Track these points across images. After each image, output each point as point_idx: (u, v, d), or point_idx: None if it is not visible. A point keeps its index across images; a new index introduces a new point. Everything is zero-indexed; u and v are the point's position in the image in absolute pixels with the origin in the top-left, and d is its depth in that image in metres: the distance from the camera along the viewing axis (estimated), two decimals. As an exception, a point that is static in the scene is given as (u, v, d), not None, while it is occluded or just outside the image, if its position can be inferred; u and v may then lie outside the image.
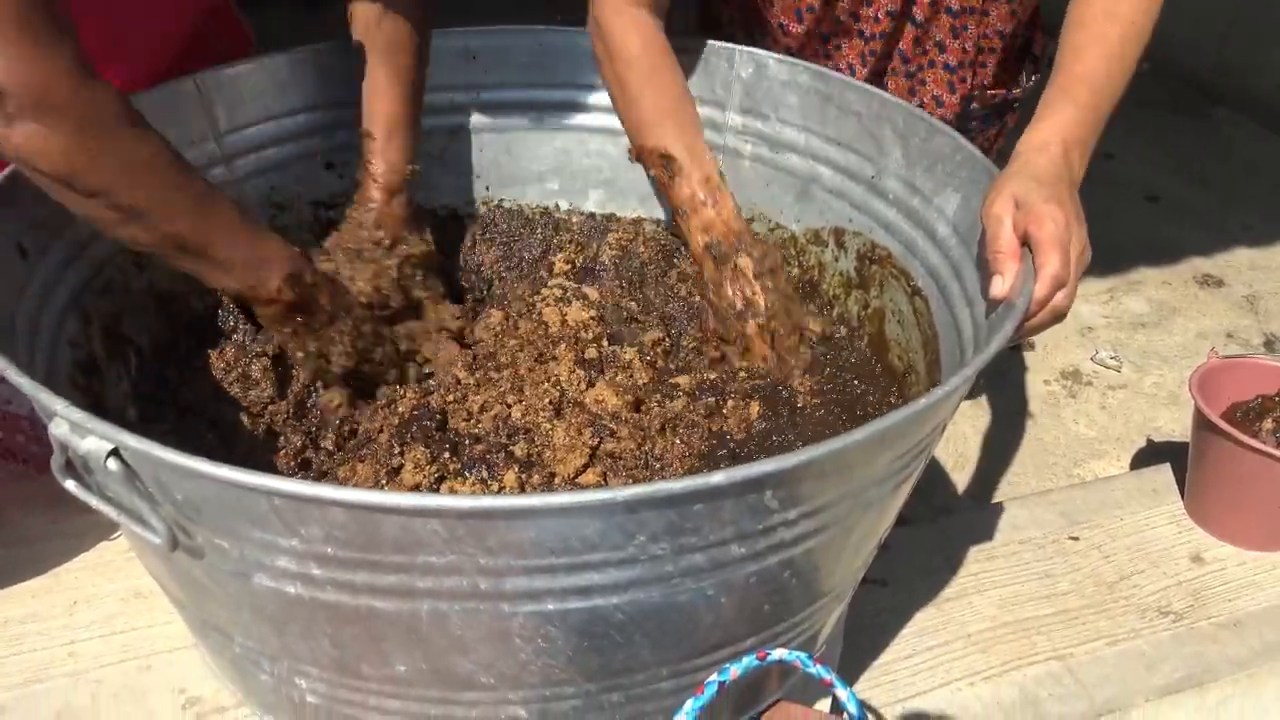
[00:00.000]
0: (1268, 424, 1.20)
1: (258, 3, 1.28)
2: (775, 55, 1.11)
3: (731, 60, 1.13)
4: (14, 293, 0.81)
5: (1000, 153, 1.17)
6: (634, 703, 0.70)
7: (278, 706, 0.77)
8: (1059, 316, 0.80)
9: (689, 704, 0.67)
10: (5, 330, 0.76)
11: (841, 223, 1.09)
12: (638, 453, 0.93)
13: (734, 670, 0.69)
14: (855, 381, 1.06)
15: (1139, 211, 3.08)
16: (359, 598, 0.60)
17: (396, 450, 0.92)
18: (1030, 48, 1.29)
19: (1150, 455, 1.88)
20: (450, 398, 1.00)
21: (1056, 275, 0.77)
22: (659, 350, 1.09)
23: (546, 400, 0.98)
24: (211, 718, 0.90)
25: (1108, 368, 2.42)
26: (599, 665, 0.65)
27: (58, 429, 0.58)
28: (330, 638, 0.64)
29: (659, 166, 1.06)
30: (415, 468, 0.90)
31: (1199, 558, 1.20)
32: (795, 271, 1.17)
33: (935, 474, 2.00)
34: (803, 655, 0.70)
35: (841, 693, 0.69)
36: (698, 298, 1.12)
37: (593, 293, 1.16)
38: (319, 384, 1.00)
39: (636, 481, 0.94)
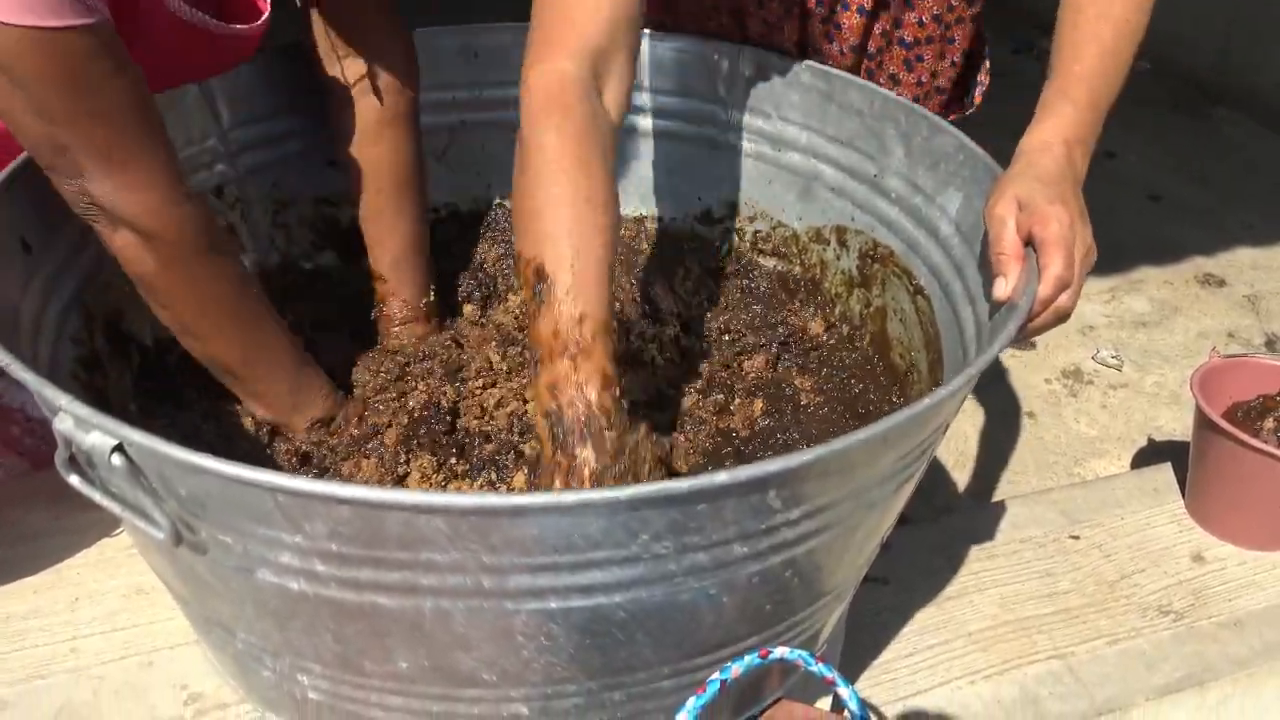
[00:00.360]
0: (1269, 423, 1.20)
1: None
2: (777, 54, 1.11)
3: (734, 58, 1.13)
4: (18, 288, 0.81)
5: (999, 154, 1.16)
6: (635, 701, 0.70)
7: (279, 703, 0.77)
8: (1063, 317, 0.80)
9: (691, 702, 0.67)
10: (8, 325, 0.76)
11: (844, 221, 1.09)
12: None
13: (736, 668, 0.69)
14: (857, 381, 1.06)
15: (1140, 210, 3.08)
16: (362, 594, 0.60)
17: (403, 458, 0.92)
18: (975, 70, 1.28)
19: (1151, 454, 1.88)
20: (472, 386, 1.00)
21: (1060, 276, 0.77)
22: (673, 346, 1.09)
23: None
24: (213, 714, 0.90)
25: (1109, 367, 2.42)
26: (601, 663, 0.65)
27: (62, 424, 0.58)
28: (333, 634, 0.64)
29: (528, 286, 0.80)
30: (421, 477, 0.91)
31: (1200, 557, 1.20)
32: (798, 270, 1.17)
33: (936, 473, 2.00)
34: (805, 654, 0.70)
35: (843, 691, 0.69)
36: (705, 299, 1.09)
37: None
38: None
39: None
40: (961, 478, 2.02)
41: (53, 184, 0.80)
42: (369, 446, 0.95)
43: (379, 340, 1.12)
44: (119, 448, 0.57)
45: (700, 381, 1.05)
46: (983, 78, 1.24)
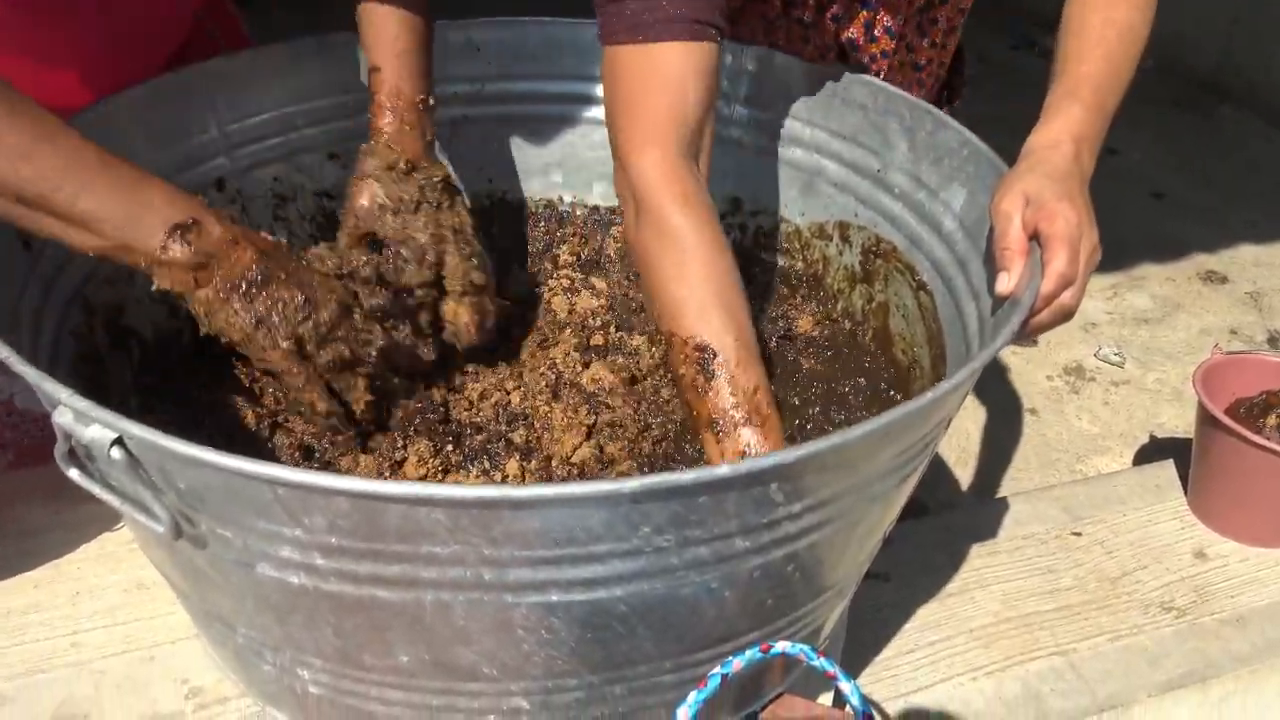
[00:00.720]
0: (1272, 420, 1.20)
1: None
2: (780, 50, 1.11)
3: (737, 53, 1.13)
4: (18, 283, 0.81)
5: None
6: (636, 695, 0.70)
7: (280, 697, 0.77)
8: (1067, 315, 0.80)
9: (692, 696, 0.67)
10: (8, 320, 0.76)
11: (846, 216, 1.09)
12: (635, 417, 0.93)
13: (737, 663, 0.69)
14: (860, 375, 1.06)
15: (1143, 208, 3.08)
16: (362, 588, 0.60)
17: (400, 443, 0.92)
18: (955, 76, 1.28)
19: (1153, 451, 1.88)
20: (453, 383, 1.00)
21: (1064, 272, 0.77)
22: None
23: (543, 384, 0.98)
24: (214, 708, 0.90)
25: (1111, 364, 2.42)
26: (602, 657, 0.65)
27: (61, 417, 0.58)
28: (333, 628, 0.64)
29: (691, 363, 0.82)
30: (419, 461, 0.91)
31: (1202, 553, 1.20)
32: (800, 265, 1.17)
33: (938, 469, 2.00)
34: (807, 648, 0.70)
35: (845, 686, 0.68)
36: None
37: (600, 283, 1.16)
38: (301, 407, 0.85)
39: (634, 448, 0.94)
40: (963, 474, 2.03)
41: None
42: (368, 441, 0.94)
43: (359, 151, 0.98)
44: (118, 441, 0.57)
45: None
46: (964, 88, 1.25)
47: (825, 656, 0.70)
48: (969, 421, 2.16)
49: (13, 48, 0.96)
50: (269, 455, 0.93)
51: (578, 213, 1.24)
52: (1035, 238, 0.79)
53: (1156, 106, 3.64)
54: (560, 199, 1.25)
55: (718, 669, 0.68)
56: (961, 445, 2.10)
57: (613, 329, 1.08)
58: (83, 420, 0.58)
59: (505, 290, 1.20)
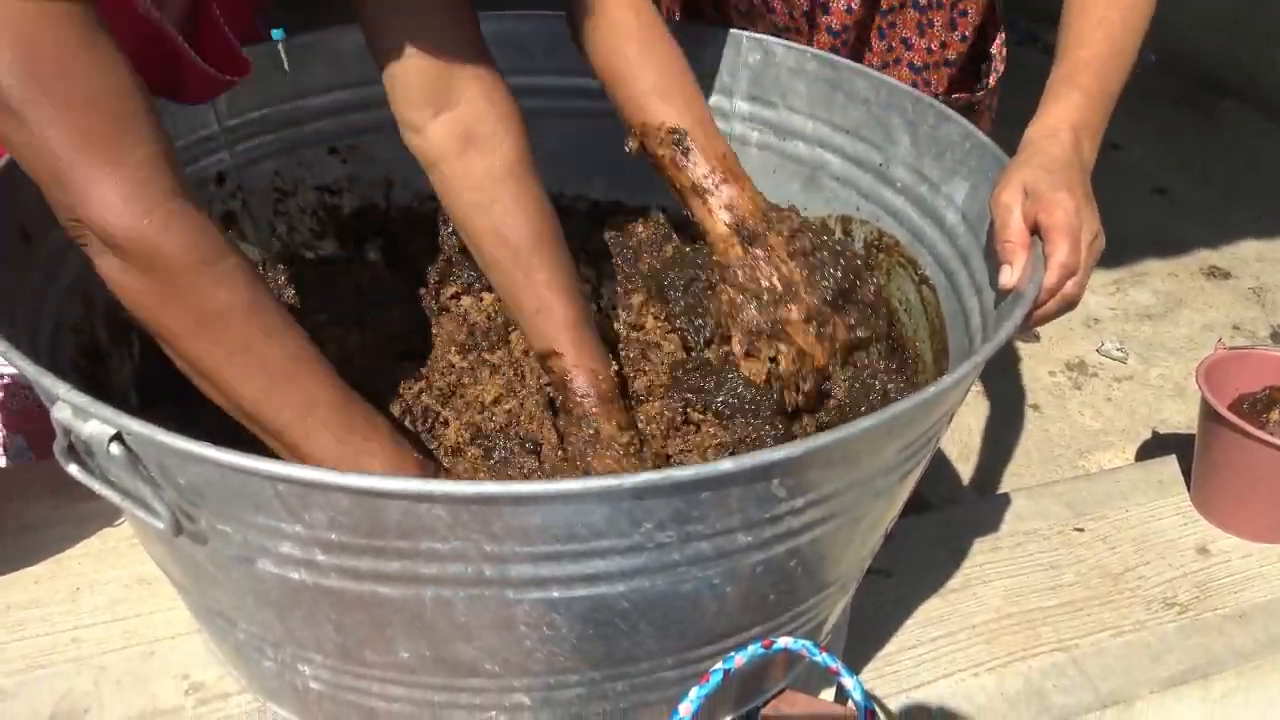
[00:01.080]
0: (1275, 415, 1.20)
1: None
2: (783, 42, 1.10)
3: (739, 47, 1.12)
4: (17, 276, 0.80)
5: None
6: (638, 691, 0.70)
7: (281, 693, 0.77)
8: (1070, 305, 0.80)
9: (694, 691, 0.66)
10: (7, 314, 0.75)
11: (849, 211, 1.09)
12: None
13: (739, 658, 0.68)
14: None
15: (1146, 204, 3.07)
16: (363, 584, 0.60)
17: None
18: (988, 46, 1.27)
19: (1155, 447, 1.87)
20: (445, 382, 1.00)
21: (1066, 263, 0.76)
22: (648, 312, 1.08)
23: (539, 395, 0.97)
24: (214, 704, 0.90)
25: (1113, 359, 2.42)
26: (604, 653, 0.65)
27: (60, 413, 0.58)
28: (334, 624, 0.64)
29: (668, 145, 0.96)
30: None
31: (1205, 549, 1.19)
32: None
33: (940, 465, 2.00)
34: (809, 644, 0.70)
35: (848, 681, 0.68)
36: (723, 298, 1.00)
37: (585, 269, 1.16)
38: None
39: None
40: (966, 470, 2.02)
41: None
42: None
43: (568, 428, 0.93)
44: (117, 436, 0.57)
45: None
46: (998, 65, 1.23)
47: (827, 652, 0.69)
48: (971, 417, 2.15)
49: None
50: (269, 452, 0.92)
51: (579, 206, 1.24)
52: (1036, 230, 0.78)
53: (1158, 102, 3.63)
54: (561, 193, 1.25)
55: (720, 664, 0.68)
56: (964, 441, 2.09)
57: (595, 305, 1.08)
58: (81, 415, 0.58)
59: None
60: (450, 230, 1.17)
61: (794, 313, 0.95)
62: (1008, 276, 0.78)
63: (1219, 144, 3.44)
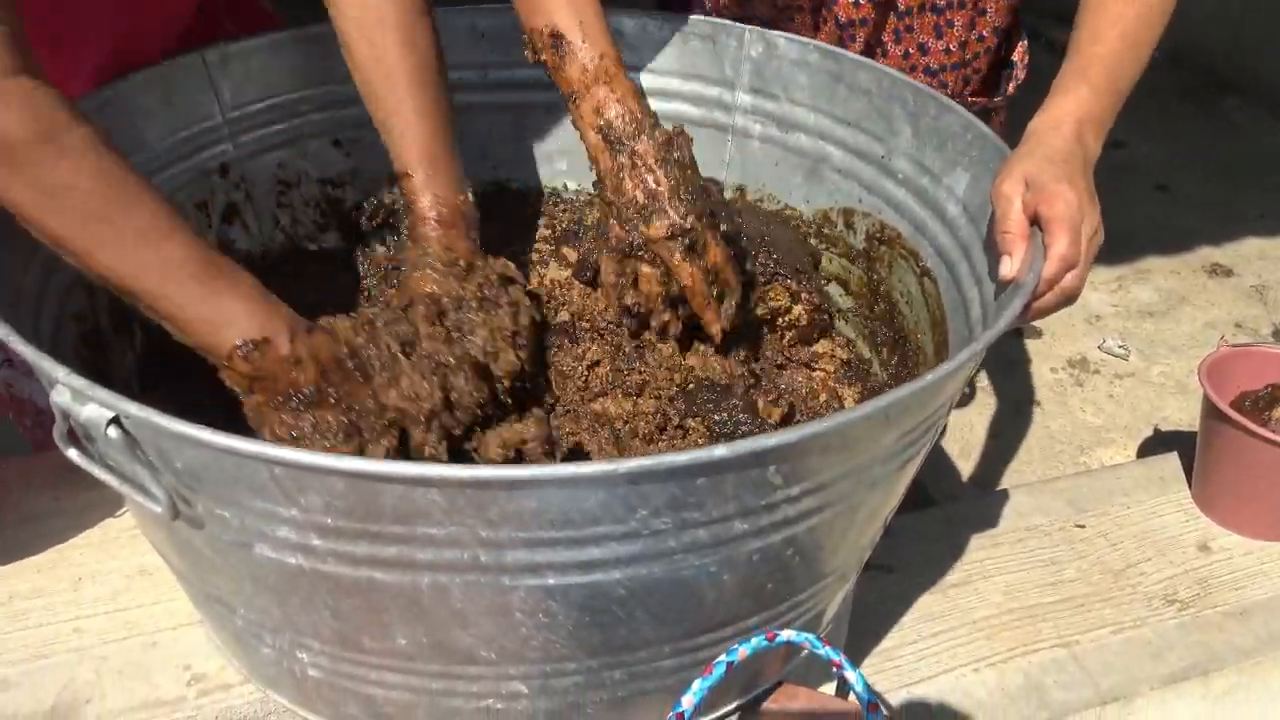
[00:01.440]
0: (1277, 413, 1.20)
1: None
2: (785, 34, 1.10)
3: (741, 39, 1.12)
4: (19, 265, 0.80)
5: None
6: (636, 680, 0.70)
7: (280, 680, 0.77)
8: (1069, 299, 0.79)
9: (697, 684, 0.66)
10: (9, 301, 0.76)
11: (851, 203, 1.09)
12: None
13: (743, 651, 0.68)
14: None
15: (1148, 200, 3.06)
16: (359, 569, 0.60)
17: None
18: (1010, 53, 1.26)
19: (1157, 444, 1.87)
20: None
21: (1065, 255, 0.76)
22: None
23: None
24: (216, 694, 0.90)
25: (1115, 356, 2.41)
26: (600, 641, 0.65)
27: (59, 396, 0.58)
28: (331, 610, 0.64)
29: (548, 49, 0.92)
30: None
31: (1206, 546, 1.19)
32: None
33: (941, 461, 2.00)
34: (812, 636, 0.70)
35: (850, 674, 0.68)
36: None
37: (571, 253, 1.15)
38: None
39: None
40: (966, 466, 2.02)
41: None
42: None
43: (405, 250, 0.95)
44: (115, 420, 0.57)
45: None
46: (1019, 73, 1.22)
47: (830, 645, 0.69)
48: (973, 413, 2.15)
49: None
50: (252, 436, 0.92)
51: (581, 200, 1.24)
52: (1036, 221, 0.78)
53: (1163, 98, 3.62)
54: (564, 186, 1.25)
55: (723, 656, 0.68)
56: (965, 437, 2.09)
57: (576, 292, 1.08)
58: (80, 399, 0.58)
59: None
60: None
61: (656, 229, 0.89)
62: (1007, 267, 0.77)
63: (1223, 141, 3.43)
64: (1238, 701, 1.07)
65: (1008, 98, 1.25)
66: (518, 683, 0.67)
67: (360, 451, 0.78)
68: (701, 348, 1.00)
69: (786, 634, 0.70)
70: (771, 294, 1.06)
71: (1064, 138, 0.82)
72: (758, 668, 0.80)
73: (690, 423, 0.96)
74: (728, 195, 1.20)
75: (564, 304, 1.08)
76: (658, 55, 1.16)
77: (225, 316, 0.75)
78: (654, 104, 1.20)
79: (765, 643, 0.69)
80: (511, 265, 0.97)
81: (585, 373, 1.02)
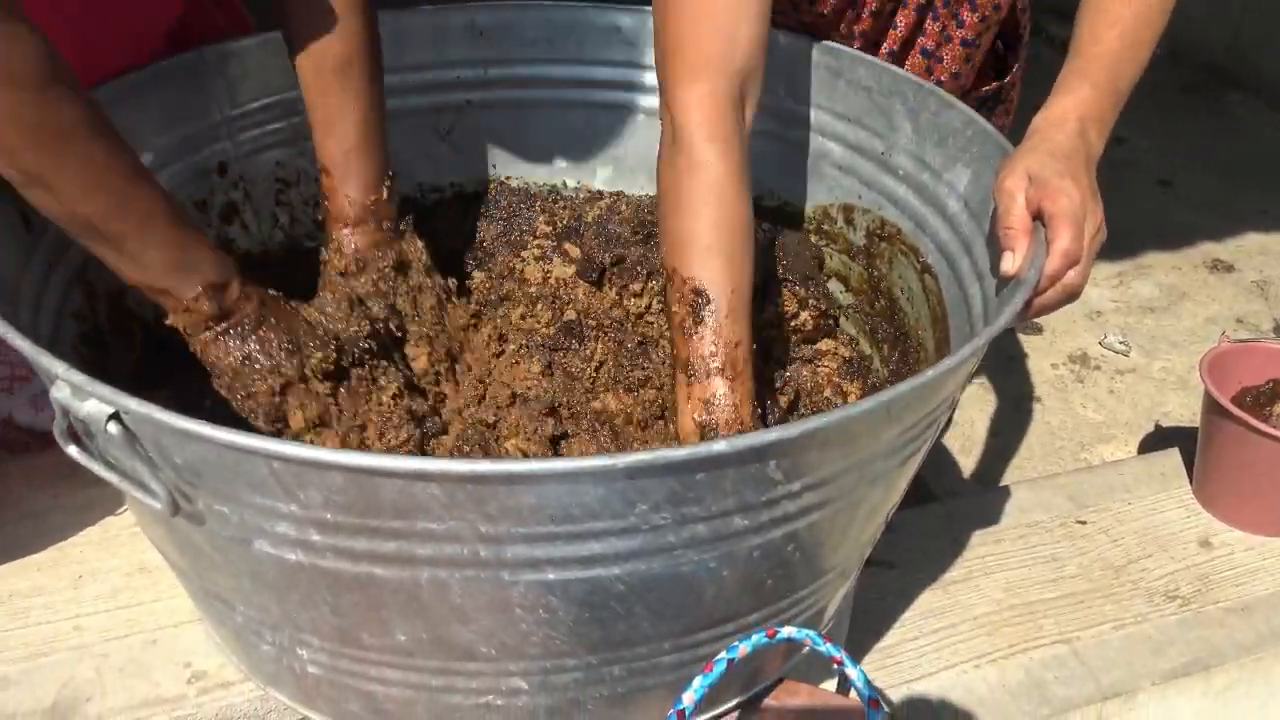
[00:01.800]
0: (1278, 409, 1.20)
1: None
2: (784, 31, 1.10)
3: (740, 36, 1.12)
4: (19, 264, 0.81)
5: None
6: (636, 676, 0.70)
7: (279, 678, 0.77)
8: (1072, 295, 0.79)
9: (698, 681, 0.66)
10: (9, 299, 0.75)
11: (851, 199, 1.08)
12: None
13: (743, 648, 0.68)
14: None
15: (1150, 196, 3.06)
16: (359, 565, 0.60)
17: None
18: (1017, 30, 1.25)
19: (1158, 440, 1.87)
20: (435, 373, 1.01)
21: (1068, 251, 0.76)
22: (629, 293, 1.08)
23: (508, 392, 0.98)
24: (216, 692, 0.90)
25: (1116, 352, 2.41)
26: (600, 637, 0.65)
27: (59, 393, 0.58)
28: (331, 606, 0.64)
29: (685, 303, 0.85)
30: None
31: (1207, 542, 1.19)
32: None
33: (942, 457, 1.99)
34: (812, 633, 0.69)
35: (851, 671, 0.68)
36: None
37: (574, 249, 1.15)
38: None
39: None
40: (968, 463, 2.02)
41: None
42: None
43: (323, 248, 1.01)
44: (115, 415, 0.57)
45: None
46: (1020, 52, 1.22)
47: (831, 642, 0.69)
48: (974, 410, 2.15)
49: None
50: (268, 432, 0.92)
51: (580, 196, 1.24)
52: (1039, 217, 0.78)
53: (1164, 94, 3.61)
54: (564, 184, 1.24)
55: (724, 653, 0.68)
56: (966, 434, 2.09)
57: (581, 293, 1.09)
58: (80, 395, 0.58)
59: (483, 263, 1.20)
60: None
61: None
62: (1009, 263, 0.77)
63: (1224, 136, 3.43)
64: (1239, 697, 1.07)
65: (1014, 77, 1.24)
66: (518, 679, 0.67)
67: (301, 369, 0.88)
68: None
69: (787, 630, 0.69)
70: (781, 301, 1.06)
71: (1067, 134, 0.82)
72: (759, 664, 0.80)
73: None
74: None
75: (569, 303, 1.08)
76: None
77: (193, 262, 0.82)
78: (653, 101, 1.21)
79: (766, 639, 0.69)
80: (411, 249, 1.03)
81: (593, 374, 1.02)
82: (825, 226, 1.12)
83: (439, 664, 0.67)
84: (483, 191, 1.25)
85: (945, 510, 1.24)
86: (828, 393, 1.04)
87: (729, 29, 0.87)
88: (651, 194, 1.22)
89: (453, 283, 1.06)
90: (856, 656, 1.03)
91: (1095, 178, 0.82)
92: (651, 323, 1.07)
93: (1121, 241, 2.78)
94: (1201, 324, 2.52)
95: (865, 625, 1.05)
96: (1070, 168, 0.79)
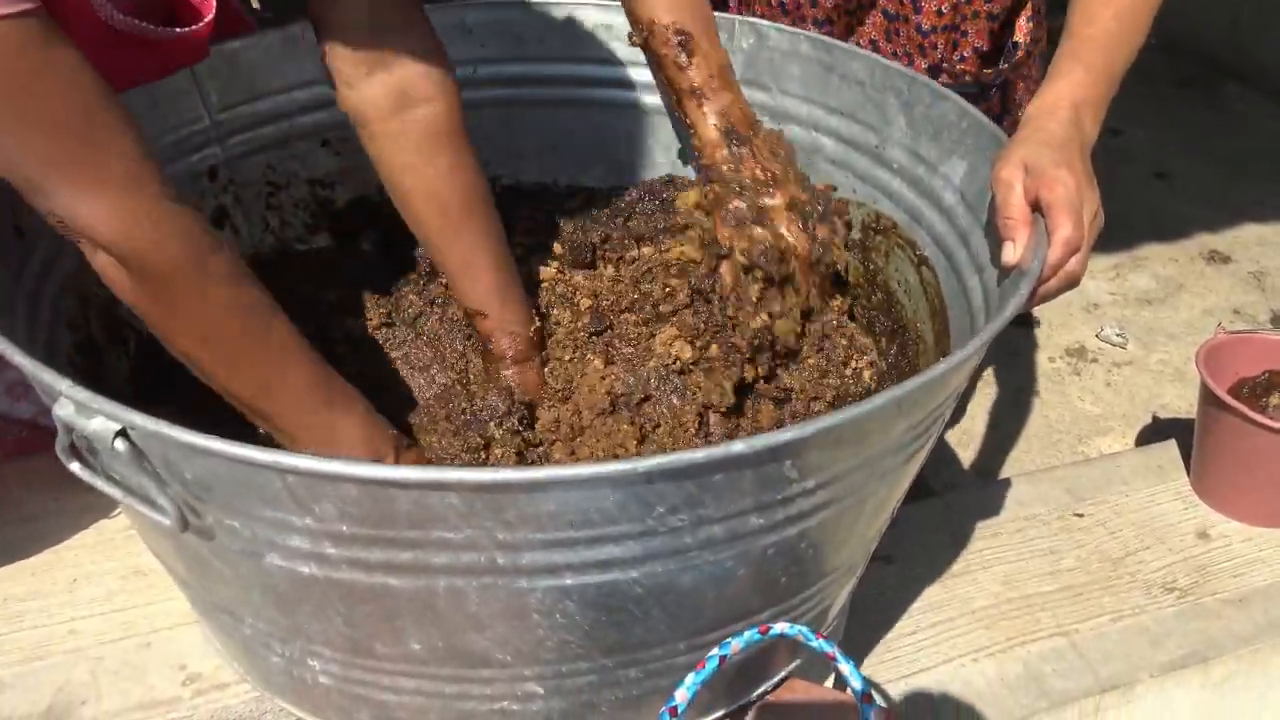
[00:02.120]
0: (1274, 399, 1.20)
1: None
2: (776, 25, 1.09)
3: (731, 31, 1.12)
4: (12, 274, 0.80)
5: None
6: (651, 678, 0.70)
7: (289, 689, 0.76)
8: (1073, 282, 0.79)
9: (690, 678, 0.66)
10: (6, 311, 0.75)
11: (845, 194, 1.08)
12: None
13: (735, 645, 0.68)
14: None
15: (1147, 188, 3.06)
16: (374, 576, 0.59)
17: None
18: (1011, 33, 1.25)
19: (1155, 432, 1.87)
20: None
21: (1069, 239, 0.76)
22: (625, 263, 1.07)
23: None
24: (211, 694, 0.89)
25: (1113, 344, 2.41)
26: (616, 640, 0.65)
27: (62, 410, 0.57)
28: (344, 617, 0.63)
29: (672, 45, 1.00)
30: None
31: (1205, 534, 1.19)
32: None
33: (940, 451, 1.99)
34: (804, 629, 0.69)
35: (844, 667, 0.68)
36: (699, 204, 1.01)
37: (556, 246, 1.14)
38: None
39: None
40: (965, 456, 2.02)
41: None
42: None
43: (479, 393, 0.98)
44: (122, 432, 0.56)
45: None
46: (1021, 50, 1.21)
47: (824, 638, 0.69)
48: (971, 404, 2.15)
49: None
50: (275, 444, 0.92)
51: (576, 195, 1.23)
52: (1037, 207, 0.78)
53: (1160, 86, 3.61)
54: (555, 182, 1.24)
55: (715, 651, 0.68)
56: (963, 427, 2.09)
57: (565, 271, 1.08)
58: (85, 413, 0.57)
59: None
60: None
61: (778, 198, 1.00)
62: (1010, 253, 0.77)
63: (1221, 128, 3.43)
64: (1237, 688, 1.07)
65: (1014, 66, 1.24)
66: (532, 684, 0.67)
67: None
68: None
69: (779, 627, 0.69)
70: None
71: (1060, 122, 0.82)
72: (764, 663, 0.80)
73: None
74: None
75: (578, 291, 1.05)
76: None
77: (340, 436, 0.79)
78: (649, 97, 1.21)
79: (758, 636, 0.69)
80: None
81: (646, 342, 1.00)
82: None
83: (453, 671, 0.66)
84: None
85: (943, 504, 1.24)
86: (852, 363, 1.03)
87: None
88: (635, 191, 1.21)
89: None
90: (855, 652, 1.02)
91: (1090, 164, 0.81)
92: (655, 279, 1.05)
93: (1118, 234, 2.77)
94: (1198, 315, 2.52)
95: (863, 620, 1.05)
96: (1065, 156, 0.79)
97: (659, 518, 0.57)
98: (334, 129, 1.14)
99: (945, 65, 1.22)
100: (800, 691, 0.84)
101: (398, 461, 0.82)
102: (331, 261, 1.17)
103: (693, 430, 0.92)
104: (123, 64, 0.86)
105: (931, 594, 1.10)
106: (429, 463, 0.88)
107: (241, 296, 0.75)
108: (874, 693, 0.97)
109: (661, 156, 1.22)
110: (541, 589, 0.60)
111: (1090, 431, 2.14)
